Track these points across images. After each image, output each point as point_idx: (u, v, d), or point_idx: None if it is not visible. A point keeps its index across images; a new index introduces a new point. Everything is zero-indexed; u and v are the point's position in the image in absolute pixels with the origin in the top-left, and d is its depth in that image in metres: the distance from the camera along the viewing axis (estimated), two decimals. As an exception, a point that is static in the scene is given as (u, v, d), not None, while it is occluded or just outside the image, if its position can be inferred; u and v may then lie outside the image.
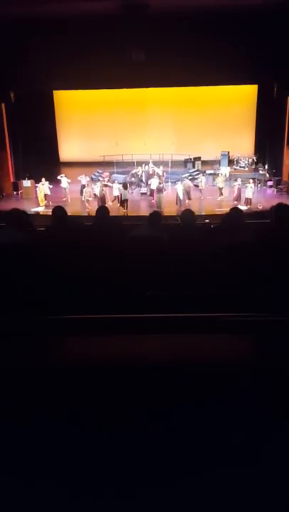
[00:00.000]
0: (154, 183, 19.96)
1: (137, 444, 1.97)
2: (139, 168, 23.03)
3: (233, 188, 19.77)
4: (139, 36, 17.96)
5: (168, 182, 21.66)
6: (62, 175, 20.54)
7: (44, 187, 19.70)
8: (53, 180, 20.73)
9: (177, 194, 19.03)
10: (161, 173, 21.57)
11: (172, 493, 1.87)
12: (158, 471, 1.92)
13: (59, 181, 20.56)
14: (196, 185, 21.24)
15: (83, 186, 20.09)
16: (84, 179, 20.25)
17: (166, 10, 17.13)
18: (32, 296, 3.61)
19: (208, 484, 1.89)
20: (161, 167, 22.35)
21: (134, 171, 22.95)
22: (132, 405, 2.08)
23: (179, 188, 19.05)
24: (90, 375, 2.19)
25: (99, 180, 21.67)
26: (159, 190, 19.26)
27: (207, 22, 17.76)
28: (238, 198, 19.15)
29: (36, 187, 20.14)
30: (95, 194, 19.23)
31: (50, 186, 19.92)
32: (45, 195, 19.70)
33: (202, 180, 20.65)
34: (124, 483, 1.90)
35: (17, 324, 2.79)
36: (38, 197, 19.80)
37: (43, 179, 19.81)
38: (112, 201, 19.24)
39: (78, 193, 20.17)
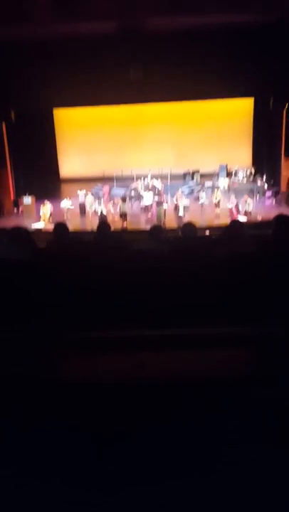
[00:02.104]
0: (147, 197, 20.06)
1: (136, 459, 1.98)
2: (139, 181, 23.16)
3: (230, 201, 19.79)
4: (136, 54, 18.17)
5: (167, 195, 21.72)
6: (67, 198, 20.61)
7: (47, 210, 19.77)
8: (55, 197, 20.83)
9: (178, 207, 19.10)
10: (160, 187, 21.67)
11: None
12: (157, 486, 1.92)
13: (60, 199, 20.64)
14: (196, 198, 21.34)
15: (82, 204, 20.24)
16: (82, 195, 20.35)
17: (163, 28, 17.33)
18: (33, 313, 3.62)
19: (206, 499, 1.89)
20: (159, 180, 22.46)
21: (133, 185, 23.07)
22: (131, 421, 2.08)
23: (180, 202, 19.12)
24: (90, 391, 2.20)
25: (99, 196, 21.81)
26: (159, 203, 19.34)
27: (203, 38, 17.96)
28: (235, 210, 19.17)
29: (40, 206, 20.15)
30: (95, 211, 19.45)
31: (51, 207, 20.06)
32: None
33: (203, 196, 20.68)
34: (121, 499, 1.90)
35: (18, 340, 2.80)
36: (42, 216, 19.77)
37: (46, 201, 19.89)
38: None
39: (77, 209, 20.35)
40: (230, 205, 19.55)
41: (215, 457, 1.99)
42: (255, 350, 2.77)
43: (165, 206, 19.15)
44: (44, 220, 19.55)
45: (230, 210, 19.45)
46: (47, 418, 2.10)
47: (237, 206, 19.21)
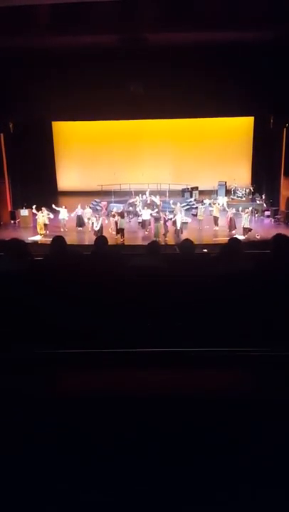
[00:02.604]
0: (145, 214, 20.08)
1: (134, 476, 1.94)
2: (137, 197, 23.20)
3: (226, 218, 19.73)
4: (137, 69, 18.26)
5: (165, 211, 21.75)
6: (63, 206, 20.64)
7: (44, 216, 19.77)
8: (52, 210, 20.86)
9: (176, 223, 19.09)
10: (158, 203, 21.71)
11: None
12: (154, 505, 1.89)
13: (57, 211, 20.66)
14: (194, 215, 21.37)
15: (79, 217, 20.29)
16: (79, 209, 20.42)
17: (164, 44, 17.45)
18: (30, 326, 3.58)
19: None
20: (158, 196, 22.51)
21: (131, 201, 23.10)
22: (130, 437, 2.06)
23: (178, 217, 19.10)
24: (87, 408, 2.18)
25: (97, 209, 21.82)
26: (157, 219, 19.34)
27: (204, 56, 18.07)
28: (231, 227, 19.20)
29: (35, 215, 20.20)
30: (92, 223, 19.44)
31: (50, 215, 20.07)
32: (45, 224, 19.77)
33: (202, 214, 20.70)
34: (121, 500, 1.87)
35: (14, 355, 2.77)
36: (38, 225, 19.81)
37: (43, 208, 19.90)
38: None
39: (74, 223, 20.38)
40: (228, 212, 19.58)
41: (213, 479, 1.96)
42: (253, 369, 2.75)
43: (168, 221, 19.09)
44: (40, 230, 19.57)
45: (226, 219, 19.48)
46: (46, 425, 2.09)
47: (232, 219, 19.20)
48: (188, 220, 20.50)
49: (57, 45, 17.24)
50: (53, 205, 20.75)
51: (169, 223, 18.90)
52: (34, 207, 20.17)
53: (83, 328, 3.52)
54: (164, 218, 19.02)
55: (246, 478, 1.92)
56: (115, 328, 3.54)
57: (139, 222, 20.96)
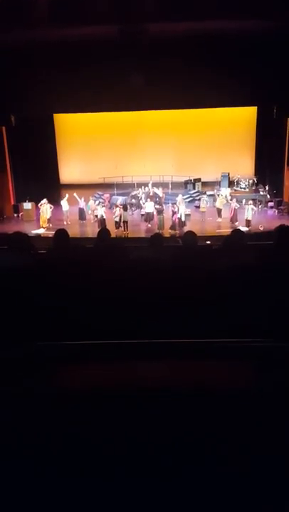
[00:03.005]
0: (148, 206, 20.02)
1: (135, 472, 1.94)
2: (139, 189, 23.14)
3: (230, 209, 19.60)
4: (138, 60, 18.13)
5: (168, 203, 21.65)
6: (65, 198, 20.66)
7: (47, 210, 19.79)
8: (54, 203, 20.84)
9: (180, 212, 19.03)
10: (161, 195, 21.63)
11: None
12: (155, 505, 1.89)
13: (60, 205, 20.66)
14: (197, 207, 21.30)
15: (81, 210, 20.29)
16: (82, 202, 20.41)
17: (165, 34, 17.33)
18: (33, 320, 3.59)
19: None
20: (160, 188, 22.44)
21: (134, 193, 23.05)
22: (131, 432, 2.05)
23: (181, 208, 19.03)
24: (89, 402, 2.17)
25: (100, 202, 21.84)
26: (160, 211, 19.28)
27: (206, 45, 17.93)
28: (233, 219, 19.14)
29: (39, 208, 20.19)
30: (96, 215, 19.41)
31: (52, 207, 20.10)
32: (47, 218, 19.79)
33: (204, 202, 20.64)
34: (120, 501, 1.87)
35: (17, 349, 2.77)
36: (41, 218, 19.82)
37: (46, 200, 19.91)
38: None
39: (77, 216, 20.41)
40: (231, 204, 19.50)
41: (213, 465, 1.96)
42: (255, 362, 2.74)
43: (177, 214, 18.98)
44: (43, 223, 19.57)
45: (229, 211, 19.41)
46: (46, 425, 2.08)
47: (236, 210, 19.15)
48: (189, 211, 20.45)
49: (57, 37, 17.15)
50: (75, 194, 20.71)
51: (175, 216, 18.82)
52: (45, 201, 20.10)
53: (85, 321, 3.52)
54: (172, 211, 18.95)
55: (246, 477, 1.92)
56: (117, 320, 3.54)
57: (142, 215, 20.92)
